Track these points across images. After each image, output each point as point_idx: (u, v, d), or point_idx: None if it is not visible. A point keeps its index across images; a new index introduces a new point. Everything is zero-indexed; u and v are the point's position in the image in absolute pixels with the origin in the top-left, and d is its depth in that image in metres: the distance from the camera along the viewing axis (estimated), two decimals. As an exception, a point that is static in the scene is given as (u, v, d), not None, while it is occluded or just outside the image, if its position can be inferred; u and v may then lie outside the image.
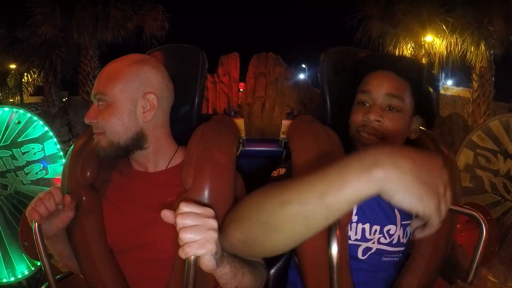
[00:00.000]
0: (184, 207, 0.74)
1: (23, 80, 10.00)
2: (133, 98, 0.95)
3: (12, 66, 9.44)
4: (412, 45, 9.38)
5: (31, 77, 9.88)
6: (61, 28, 8.62)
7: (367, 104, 1.02)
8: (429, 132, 1.16)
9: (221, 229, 0.78)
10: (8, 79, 9.80)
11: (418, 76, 1.03)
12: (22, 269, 2.32)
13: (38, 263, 2.27)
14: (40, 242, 0.91)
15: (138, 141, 0.97)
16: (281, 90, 7.61)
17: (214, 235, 0.74)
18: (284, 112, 7.25)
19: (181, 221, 0.73)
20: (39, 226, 0.91)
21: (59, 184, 1.07)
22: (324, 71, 1.22)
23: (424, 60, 9.52)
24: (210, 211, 0.76)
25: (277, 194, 0.66)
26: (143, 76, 0.96)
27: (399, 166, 0.56)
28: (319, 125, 1.05)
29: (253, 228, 0.70)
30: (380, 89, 1.00)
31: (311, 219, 0.62)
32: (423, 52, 9.34)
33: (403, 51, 9.42)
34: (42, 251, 0.92)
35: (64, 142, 5.92)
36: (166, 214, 0.76)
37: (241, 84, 8.72)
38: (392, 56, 1.05)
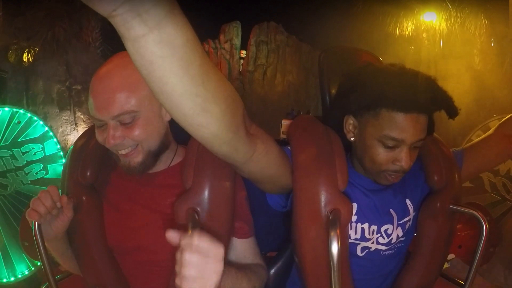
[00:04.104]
0: (196, 240, 0.68)
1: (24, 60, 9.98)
2: (156, 101, 0.91)
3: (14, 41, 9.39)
4: (412, 20, 9.28)
5: (31, 56, 9.87)
6: (65, 1, 8.65)
7: (394, 147, 0.94)
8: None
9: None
10: (8, 55, 9.77)
11: (436, 108, 0.97)
12: (22, 269, 2.33)
13: (38, 263, 2.27)
14: (40, 242, 0.92)
15: (165, 142, 0.97)
16: (282, 57, 7.55)
17: (217, 278, 0.70)
18: (285, 79, 7.22)
19: (188, 257, 0.67)
20: (39, 226, 0.91)
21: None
22: (324, 70, 1.22)
23: (424, 35, 9.47)
24: (220, 252, 0.70)
25: None
26: None
27: None
28: (319, 125, 1.05)
29: None
30: (413, 137, 0.92)
31: None
32: (423, 27, 9.27)
33: (403, 30, 9.35)
34: (42, 251, 0.92)
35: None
36: (172, 236, 0.70)
37: (243, 51, 8.64)
38: (423, 90, 0.91)
